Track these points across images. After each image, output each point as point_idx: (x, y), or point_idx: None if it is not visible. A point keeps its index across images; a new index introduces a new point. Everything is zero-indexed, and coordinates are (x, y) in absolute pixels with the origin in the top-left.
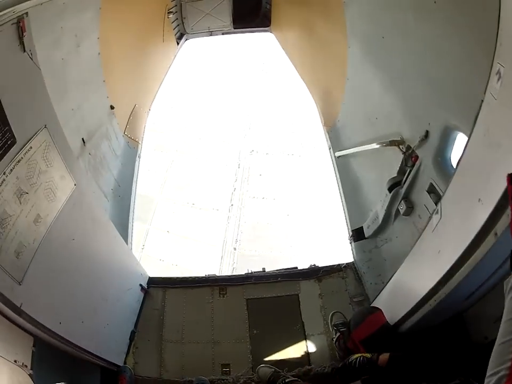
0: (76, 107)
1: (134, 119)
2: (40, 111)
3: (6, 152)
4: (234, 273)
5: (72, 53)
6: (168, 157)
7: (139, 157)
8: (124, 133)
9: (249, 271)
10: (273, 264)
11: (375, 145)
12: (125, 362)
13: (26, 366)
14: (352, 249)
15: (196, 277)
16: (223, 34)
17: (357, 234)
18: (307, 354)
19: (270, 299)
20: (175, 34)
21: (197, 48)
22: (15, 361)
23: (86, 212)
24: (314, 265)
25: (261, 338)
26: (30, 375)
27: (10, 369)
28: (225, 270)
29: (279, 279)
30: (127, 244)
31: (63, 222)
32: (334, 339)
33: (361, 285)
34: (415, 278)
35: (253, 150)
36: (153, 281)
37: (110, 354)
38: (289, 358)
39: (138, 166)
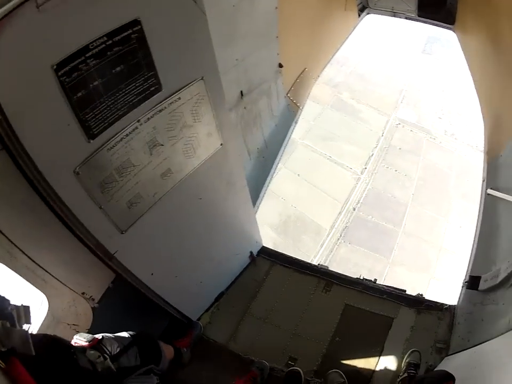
0: (240, 57)
1: (300, 82)
2: (199, 61)
3: (145, 98)
4: (346, 273)
5: (246, 2)
6: (319, 108)
7: (296, 122)
8: (287, 94)
9: (361, 277)
10: (381, 236)
11: None
12: (199, 319)
13: (93, 300)
14: (460, 294)
15: (308, 263)
16: (406, 18)
17: (472, 283)
18: (368, 379)
19: (367, 313)
20: (358, 5)
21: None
22: (83, 293)
23: (224, 174)
24: (421, 295)
25: (339, 348)
26: (93, 308)
27: (73, 299)
28: (338, 226)
29: (384, 296)
30: (254, 206)
31: (195, 181)
32: (400, 377)
33: (450, 333)
34: (500, 367)
35: (399, 124)
36: (264, 251)
37: (188, 308)
38: (354, 376)
39: (292, 132)
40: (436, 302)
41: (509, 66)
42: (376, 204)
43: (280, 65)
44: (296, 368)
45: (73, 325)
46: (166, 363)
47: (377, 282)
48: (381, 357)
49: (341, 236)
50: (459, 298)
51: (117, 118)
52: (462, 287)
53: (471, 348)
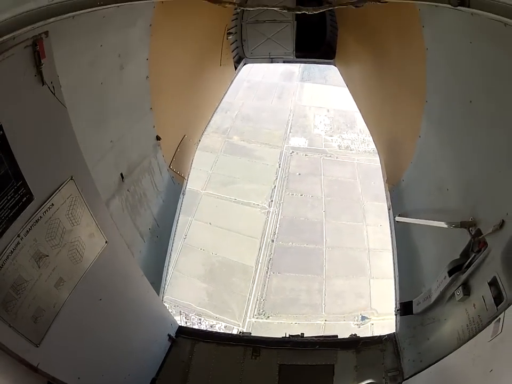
0: (115, 138)
1: (181, 151)
2: (65, 159)
3: (20, 211)
4: (269, 335)
5: (114, 76)
6: (213, 157)
7: (183, 194)
8: (169, 166)
9: (287, 335)
10: (307, 257)
11: (443, 224)
12: None
13: None
14: (396, 322)
15: (229, 334)
16: (284, 62)
17: (405, 309)
18: None
19: (304, 367)
20: (233, 58)
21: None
22: None
23: (117, 270)
24: (355, 334)
25: None
26: None
27: None
28: (263, 260)
29: (317, 347)
30: (159, 287)
31: (90, 283)
32: None
33: (399, 359)
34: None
35: (292, 152)
36: (183, 331)
37: None
38: None
39: (181, 204)
40: (373, 336)
41: (395, 91)
42: (292, 230)
43: (158, 138)
44: None
45: None
46: None
47: (305, 336)
48: None
49: (268, 268)
50: (396, 326)
51: None
52: (396, 315)
53: (426, 368)
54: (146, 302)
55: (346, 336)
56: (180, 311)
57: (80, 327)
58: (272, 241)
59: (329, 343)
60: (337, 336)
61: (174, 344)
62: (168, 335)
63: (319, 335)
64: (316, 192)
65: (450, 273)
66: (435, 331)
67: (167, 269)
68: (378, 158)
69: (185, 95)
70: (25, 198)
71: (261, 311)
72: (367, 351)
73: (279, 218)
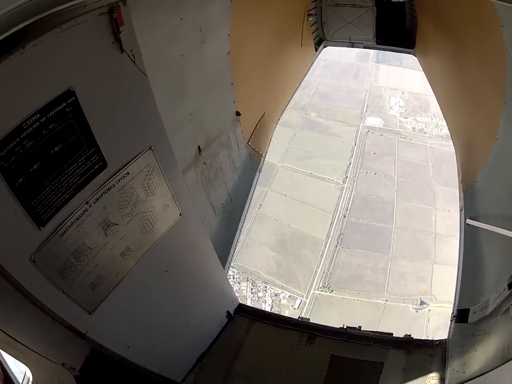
0: (195, 111)
1: (260, 129)
2: (145, 129)
3: (90, 178)
4: (327, 324)
5: (195, 50)
6: (291, 132)
7: (259, 171)
8: (247, 143)
9: (344, 326)
10: (376, 235)
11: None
12: (183, 380)
13: (74, 369)
14: (450, 328)
15: (288, 317)
16: (364, 47)
17: (461, 316)
18: None
19: (354, 361)
20: (314, 39)
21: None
22: (63, 363)
23: (188, 243)
24: (409, 335)
25: None
26: (76, 376)
27: (54, 370)
28: (333, 234)
29: (371, 342)
30: (226, 263)
31: (158, 255)
32: None
33: (444, 367)
34: None
35: (368, 131)
36: (242, 309)
37: (171, 371)
38: None
39: (257, 181)
40: (426, 339)
41: (474, 89)
42: (364, 207)
43: (238, 114)
44: None
45: None
46: None
47: (362, 329)
48: None
49: (338, 243)
50: (449, 332)
51: (63, 202)
52: (451, 321)
53: (468, 381)
54: (211, 277)
55: (401, 334)
56: (247, 278)
57: (139, 297)
58: (344, 216)
59: (384, 340)
60: (392, 334)
61: (230, 321)
62: (227, 311)
63: (375, 330)
64: (389, 172)
65: (510, 286)
66: (483, 344)
67: (235, 245)
68: (455, 154)
69: (266, 73)
70: (97, 166)
71: (326, 284)
72: (416, 353)
73: (352, 195)
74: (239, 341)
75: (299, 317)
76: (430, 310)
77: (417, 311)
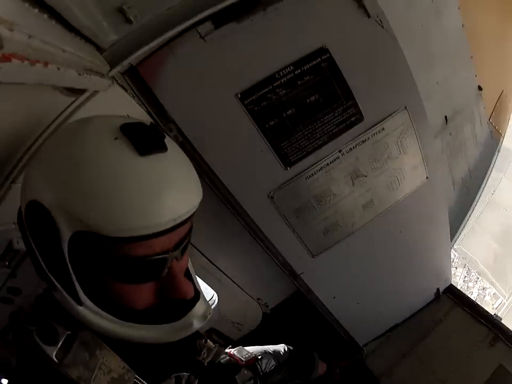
0: (441, 80)
1: (500, 106)
2: (400, 89)
3: (346, 129)
4: None
5: (432, 20)
6: None
7: (498, 151)
8: (489, 119)
9: None
10: None
11: None
12: (365, 345)
13: (267, 306)
14: None
15: (485, 311)
16: None
17: None
18: None
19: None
20: None
21: None
22: (258, 299)
23: (427, 209)
24: None
25: None
26: (265, 313)
27: (246, 302)
28: None
29: None
30: (452, 239)
31: (397, 214)
32: None
33: None
34: None
35: None
36: (450, 291)
37: (359, 333)
38: None
39: (495, 161)
40: None
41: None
42: None
43: (480, 88)
44: None
45: (238, 323)
46: (314, 377)
47: None
48: None
49: None
50: None
51: (316, 147)
52: None
53: None
54: (437, 249)
55: None
56: (465, 264)
57: (364, 252)
58: None
59: None
60: None
61: (436, 300)
62: (437, 289)
63: None
64: None
65: None
66: None
67: (466, 222)
68: None
69: (503, 48)
70: (354, 118)
71: None
72: None
73: None
74: (435, 323)
75: (495, 314)
76: None
77: None
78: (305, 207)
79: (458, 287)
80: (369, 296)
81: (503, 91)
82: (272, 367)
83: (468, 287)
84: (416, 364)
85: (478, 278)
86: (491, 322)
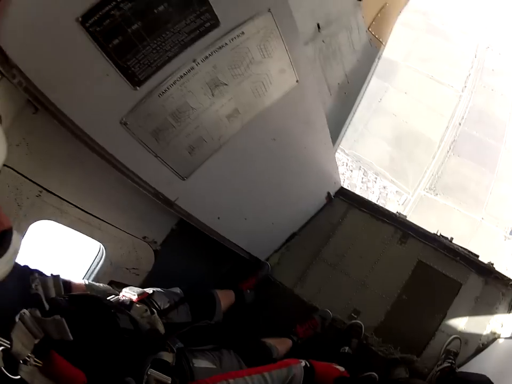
0: None
1: (381, 17)
2: None
3: (200, 36)
4: (423, 226)
5: None
6: (414, 34)
7: (379, 58)
8: (368, 28)
9: (438, 233)
10: (485, 150)
11: None
12: (267, 259)
13: (155, 243)
14: None
15: (386, 210)
16: None
17: None
18: (424, 346)
19: (438, 273)
20: None
21: None
22: (144, 237)
23: (301, 113)
24: (492, 264)
25: (404, 306)
26: (155, 250)
27: (133, 244)
28: (447, 140)
29: (457, 258)
30: (335, 144)
31: (268, 120)
32: (439, 367)
33: (508, 314)
34: None
35: (488, 47)
36: (342, 193)
37: (257, 248)
38: (409, 339)
39: (375, 68)
40: (504, 275)
41: None
42: (479, 120)
43: None
44: (358, 322)
45: (133, 268)
46: (220, 315)
47: (453, 242)
48: (441, 326)
49: (450, 148)
50: None
51: (166, 60)
52: None
53: None
54: (319, 153)
55: (485, 259)
56: (360, 167)
57: (240, 165)
58: (459, 124)
59: (469, 261)
60: (478, 256)
61: (328, 204)
62: (328, 192)
63: (464, 247)
64: (506, 92)
65: None
66: None
67: (347, 127)
68: None
69: None
70: (209, 24)
71: (432, 186)
72: (492, 287)
73: (469, 105)
74: (333, 226)
75: (397, 212)
76: None
77: (505, 239)
78: (163, 127)
79: (358, 188)
80: (255, 210)
81: (386, 4)
82: (168, 306)
83: (367, 187)
84: (325, 269)
85: (376, 178)
86: (395, 220)
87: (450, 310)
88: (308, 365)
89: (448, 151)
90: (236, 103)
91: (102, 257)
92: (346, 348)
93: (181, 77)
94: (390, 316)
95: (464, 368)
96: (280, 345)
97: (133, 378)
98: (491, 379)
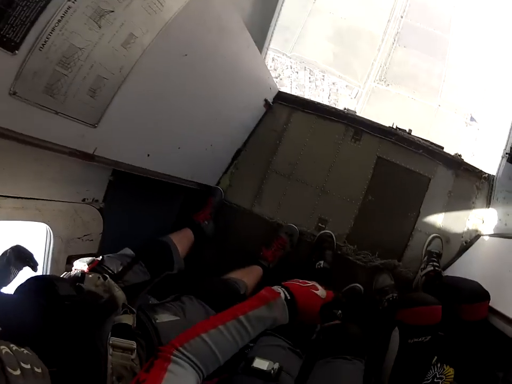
0: None
1: None
2: None
3: None
4: (378, 121)
5: None
6: None
7: None
8: None
9: (394, 126)
10: (432, 41)
11: None
12: (218, 183)
13: (97, 201)
14: (500, 166)
15: (333, 108)
16: None
17: None
18: (403, 248)
19: (401, 168)
20: None
21: None
22: (83, 200)
23: (211, 20)
24: (459, 155)
25: (372, 209)
26: (100, 208)
27: (75, 211)
28: (390, 32)
29: (420, 151)
30: (262, 47)
31: (173, 37)
32: (423, 271)
33: (487, 207)
34: None
35: None
36: (281, 97)
37: (203, 175)
38: (385, 243)
39: None
40: (474, 167)
41: None
42: (422, 12)
43: None
44: (327, 231)
45: (84, 236)
46: (180, 262)
47: (412, 134)
48: (417, 225)
49: (395, 40)
50: (498, 169)
51: (39, 10)
52: (502, 157)
53: (510, 237)
54: (245, 59)
55: (450, 151)
56: (305, 67)
57: (153, 93)
58: (402, 17)
59: (434, 153)
60: (443, 148)
61: (269, 111)
62: (265, 100)
63: (426, 138)
64: None
65: None
66: None
67: (273, 28)
68: None
69: None
70: None
71: (382, 77)
72: (464, 180)
73: None
74: (278, 134)
75: (345, 109)
76: (478, 129)
77: (466, 126)
78: (54, 80)
79: (307, 89)
80: (187, 136)
81: None
82: (121, 268)
83: (316, 86)
84: (280, 180)
85: (323, 76)
86: (345, 117)
87: (423, 207)
88: (289, 297)
89: (393, 43)
90: (129, 28)
91: (50, 237)
92: (322, 262)
93: (59, 21)
94: (360, 220)
95: (450, 271)
96: (248, 276)
97: (93, 350)
98: (479, 282)
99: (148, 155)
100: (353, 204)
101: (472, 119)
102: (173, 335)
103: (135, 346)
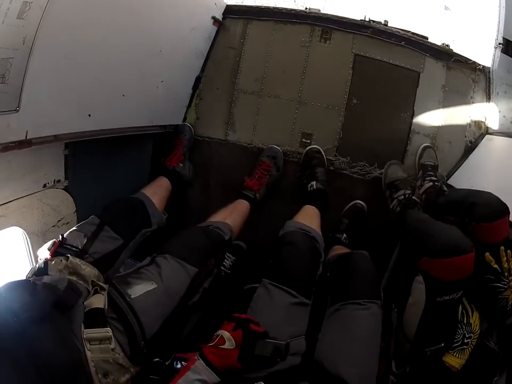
0: None
1: None
2: None
3: None
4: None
5: None
6: None
7: None
8: None
9: (367, 19)
10: None
11: None
12: (184, 119)
13: (59, 181)
14: (494, 57)
15: (292, 10)
16: None
17: (507, 47)
18: (402, 154)
19: (384, 65)
20: None
21: None
22: (44, 185)
23: None
24: (447, 45)
25: (359, 113)
26: (65, 187)
27: (40, 200)
28: None
29: (402, 43)
30: None
31: None
32: (421, 188)
33: (488, 102)
34: None
35: None
36: (231, 11)
37: (164, 116)
38: (382, 151)
39: None
40: (467, 58)
41: None
42: None
43: None
44: (314, 146)
45: (59, 221)
46: (159, 216)
47: (389, 25)
48: (413, 127)
49: None
50: (493, 62)
51: None
52: (495, 48)
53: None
54: None
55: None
56: None
57: (72, 44)
58: None
59: (418, 44)
60: (427, 38)
61: (221, 29)
62: (213, 17)
63: (406, 29)
64: None
65: None
66: None
67: None
68: None
69: None
70: None
71: None
72: (458, 72)
73: None
74: (237, 50)
75: (306, 8)
76: (455, 18)
77: (441, 14)
78: None
79: None
80: (127, 79)
81: None
82: (85, 241)
83: None
84: (250, 100)
85: None
86: (308, 17)
87: (416, 105)
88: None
89: None
90: None
91: (26, 237)
92: (314, 183)
93: None
94: (348, 129)
95: (456, 179)
96: (231, 216)
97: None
98: (492, 192)
99: (89, 115)
100: (336, 110)
101: (446, 8)
102: (150, 308)
103: (111, 333)
